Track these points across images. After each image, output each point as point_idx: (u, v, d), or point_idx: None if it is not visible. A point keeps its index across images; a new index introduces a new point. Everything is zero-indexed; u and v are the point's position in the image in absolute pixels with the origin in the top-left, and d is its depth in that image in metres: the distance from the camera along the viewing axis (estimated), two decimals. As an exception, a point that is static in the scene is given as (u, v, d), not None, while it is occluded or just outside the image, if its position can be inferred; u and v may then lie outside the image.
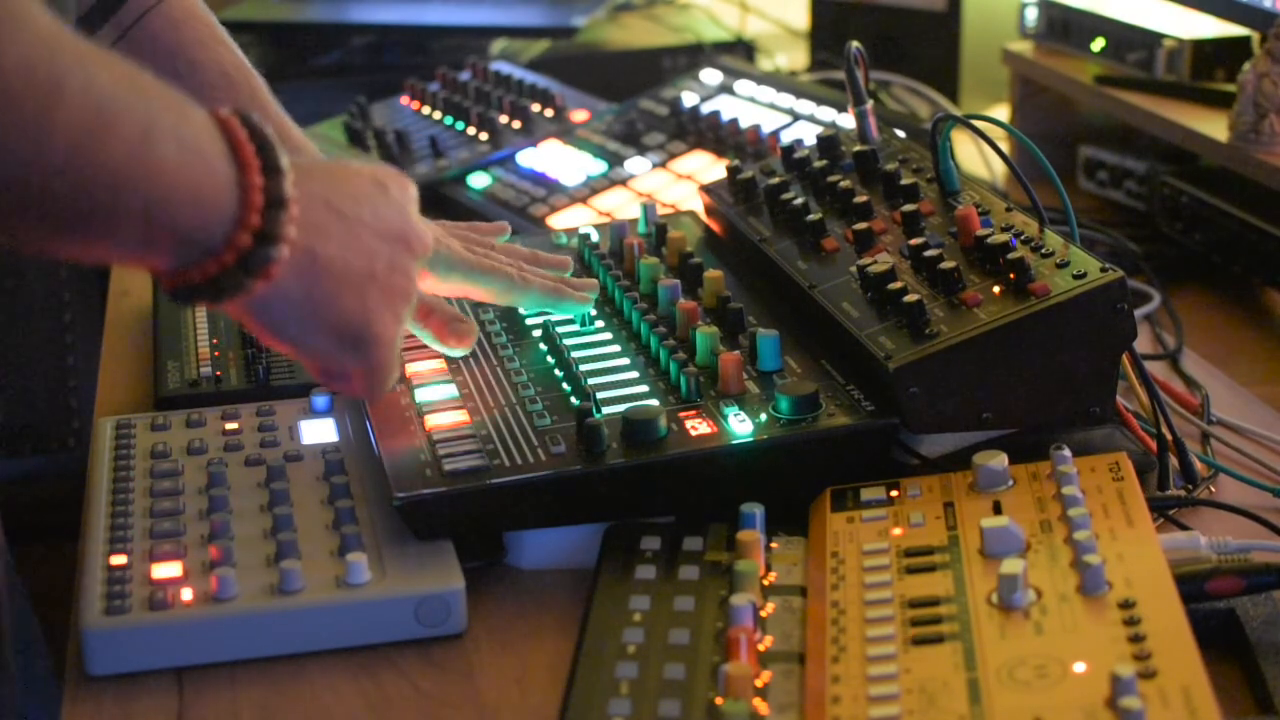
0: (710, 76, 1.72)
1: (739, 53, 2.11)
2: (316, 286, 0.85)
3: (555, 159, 1.63)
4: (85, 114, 0.75)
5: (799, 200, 1.19)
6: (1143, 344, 1.26)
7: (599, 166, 1.59)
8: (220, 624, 0.89)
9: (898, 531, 0.91)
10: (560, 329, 1.13)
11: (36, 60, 0.73)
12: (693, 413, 1.00)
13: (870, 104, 1.25)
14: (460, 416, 1.02)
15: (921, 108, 1.84)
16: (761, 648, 0.84)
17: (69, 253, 0.81)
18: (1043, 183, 1.10)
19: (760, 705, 0.79)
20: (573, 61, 2.07)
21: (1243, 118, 1.37)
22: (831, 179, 1.21)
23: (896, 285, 1.03)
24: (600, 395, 1.03)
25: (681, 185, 1.52)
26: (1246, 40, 1.54)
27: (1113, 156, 1.62)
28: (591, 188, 1.55)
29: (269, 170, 0.82)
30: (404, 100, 1.86)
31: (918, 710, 0.76)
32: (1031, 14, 1.76)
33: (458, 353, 1.07)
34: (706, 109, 1.63)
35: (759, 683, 0.81)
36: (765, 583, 0.90)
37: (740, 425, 0.99)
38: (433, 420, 1.02)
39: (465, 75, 1.86)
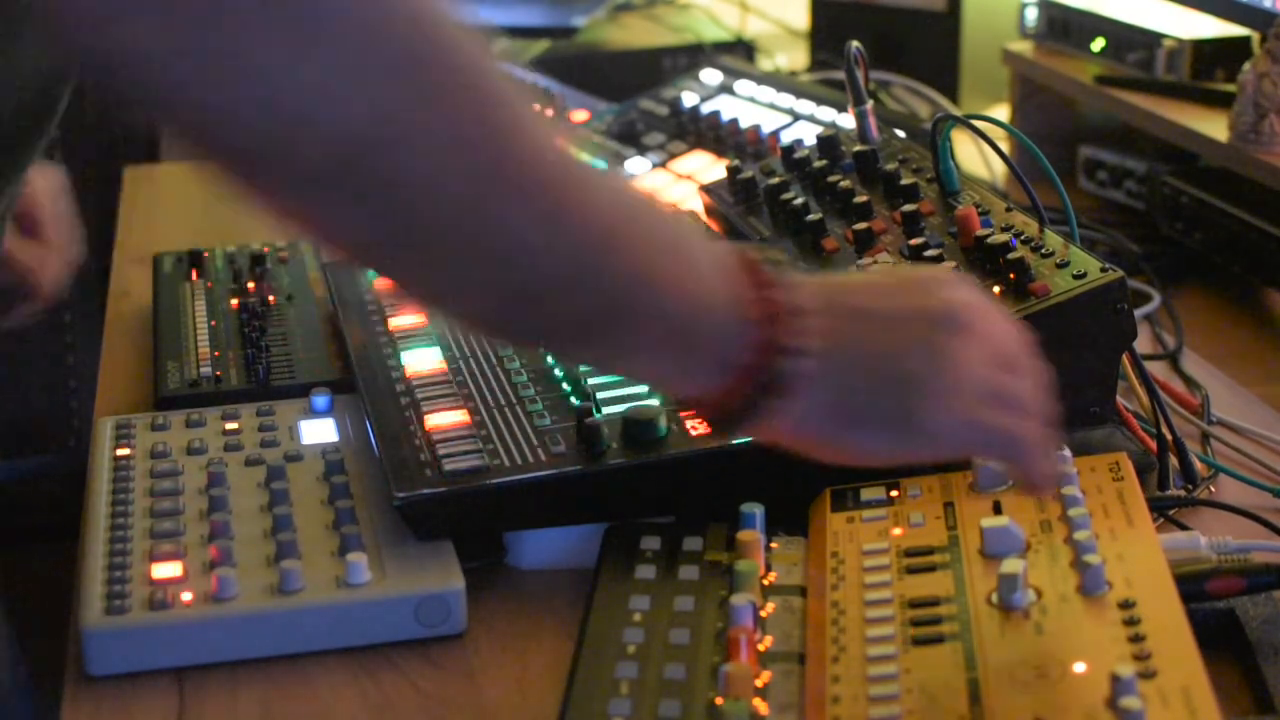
0: (710, 76, 1.72)
1: (739, 53, 2.11)
2: (841, 390, 0.80)
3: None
4: (605, 215, 0.76)
5: (799, 200, 1.19)
6: (1143, 344, 1.26)
7: (599, 166, 1.59)
8: (220, 624, 0.89)
9: (898, 531, 0.91)
10: (560, 329, 1.13)
11: (555, 165, 0.76)
12: (693, 413, 1.00)
13: (870, 104, 1.25)
14: (460, 416, 1.02)
15: (921, 108, 1.84)
16: (761, 648, 0.84)
17: (598, 361, 0.83)
18: (1043, 183, 1.10)
19: (760, 705, 0.79)
20: (573, 61, 2.07)
21: (1243, 118, 1.37)
22: (831, 179, 1.21)
23: (896, 285, 1.03)
24: (600, 395, 1.03)
25: (681, 185, 1.52)
26: (1246, 40, 1.54)
27: (1113, 156, 1.62)
28: (591, 188, 1.55)
29: (771, 284, 0.79)
30: (404, 100, 1.85)
31: (918, 710, 0.76)
32: (1031, 14, 1.76)
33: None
34: (706, 109, 1.63)
35: (759, 683, 0.81)
36: (765, 583, 0.90)
37: (740, 425, 0.99)
38: (433, 420, 1.02)
39: (465, 75, 1.85)
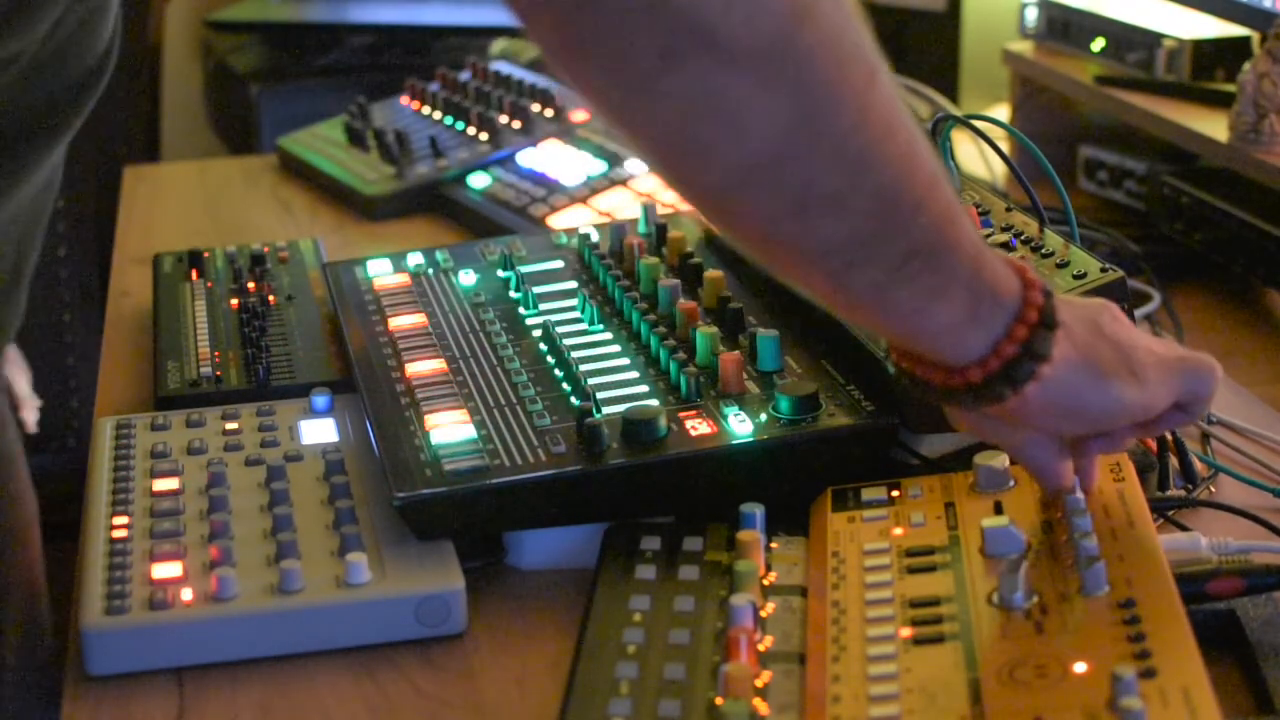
0: (710, 76, 1.72)
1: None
2: (1084, 348, 0.86)
3: (555, 159, 1.63)
4: (930, 166, 0.81)
5: (799, 200, 1.19)
6: (1143, 344, 1.26)
7: (599, 166, 1.59)
8: (220, 624, 0.89)
9: (898, 531, 0.91)
10: (560, 329, 1.13)
11: (900, 115, 0.79)
12: (693, 413, 1.00)
13: (870, 104, 1.25)
14: (460, 416, 1.02)
15: (921, 108, 1.84)
16: (761, 648, 0.84)
17: (909, 302, 0.84)
18: (1043, 183, 1.10)
19: (760, 705, 0.79)
20: (573, 61, 2.06)
21: (1243, 118, 1.37)
22: (831, 179, 1.21)
23: (896, 285, 1.03)
24: (600, 395, 1.03)
25: (681, 185, 1.52)
26: (1246, 40, 1.54)
27: (1113, 156, 1.62)
28: (591, 188, 1.55)
29: (1041, 289, 0.85)
30: (404, 100, 1.86)
31: (918, 710, 0.76)
32: (1031, 14, 1.76)
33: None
34: (706, 109, 1.63)
35: (759, 683, 0.81)
36: (765, 583, 0.90)
37: (740, 425, 0.99)
38: (433, 420, 1.02)
39: (465, 75, 1.86)
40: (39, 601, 1.12)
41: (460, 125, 1.75)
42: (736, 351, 1.05)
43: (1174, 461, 1.05)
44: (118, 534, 0.96)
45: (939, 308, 0.83)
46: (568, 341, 1.11)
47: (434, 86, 1.85)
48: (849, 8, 0.76)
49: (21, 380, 1.22)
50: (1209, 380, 0.91)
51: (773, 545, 0.94)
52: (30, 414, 1.22)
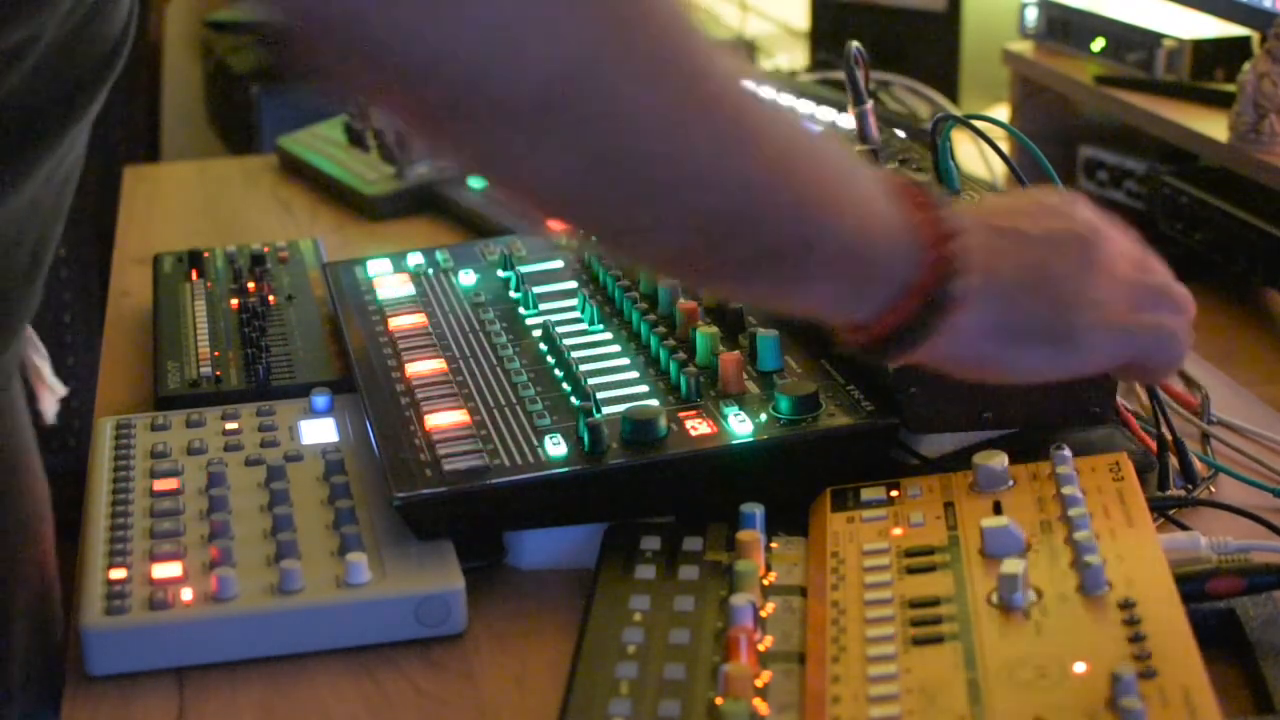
0: (710, 76, 1.72)
1: (739, 53, 2.11)
2: (1003, 307, 0.83)
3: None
4: (783, 145, 0.79)
5: (799, 200, 1.19)
6: (1143, 344, 1.26)
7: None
8: (220, 624, 0.89)
9: (898, 531, 0.91)
10: (560, 329, 1.13)
11: (737, 97, 0.78)
12: (693, 413, 1.00)
13: (870, 104, 1.25)
14: (460, 416, 1.02)
15: (921, 108, 1.84)
16: (761, 648, 0.84)
17: (773, 293, 0.83)
18: (1043, 183, 1.10)
19: (760, 705, 0.79)
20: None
21: (1243, 118, 1.37)
22: (831, 179, 1.21)
23: (896, 285, 1.03)
24: (600, 395, 1.03)
25: (681, 185, 1.52)
26: (1246, 40, 1.54)
27: (1113, 156, 1.62)
28: (591, 188, 1.55)
29: (932, 206, 0.81)
30: (404, 100, 1.85)
31: (918, 710, 0.76)
32: (1031, 14, 1.76)
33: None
34: (706, 109, 1.63)
35: (759, 683, 0.81)
36: (765, 583, 0.90)
37: (740, 425, 0.99)
38: (433, 420, 1.02)
39: (465, 75, 1.86)
40: (51, 592, 1.12)
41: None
42: (736, 351, 1.05)
43: (1174, 461, 1.05)
44: (118, 534, 0.96)
45: (809, 291, 0.81)
46: (568, 341, 1.11)
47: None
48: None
49: (45, 367, 1.22)
50: (1167, 352, 0.87)
51: (773, 545, 0.94)
52: (50, 405, 1.21)
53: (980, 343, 0.82)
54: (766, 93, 0.79)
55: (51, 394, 1.22)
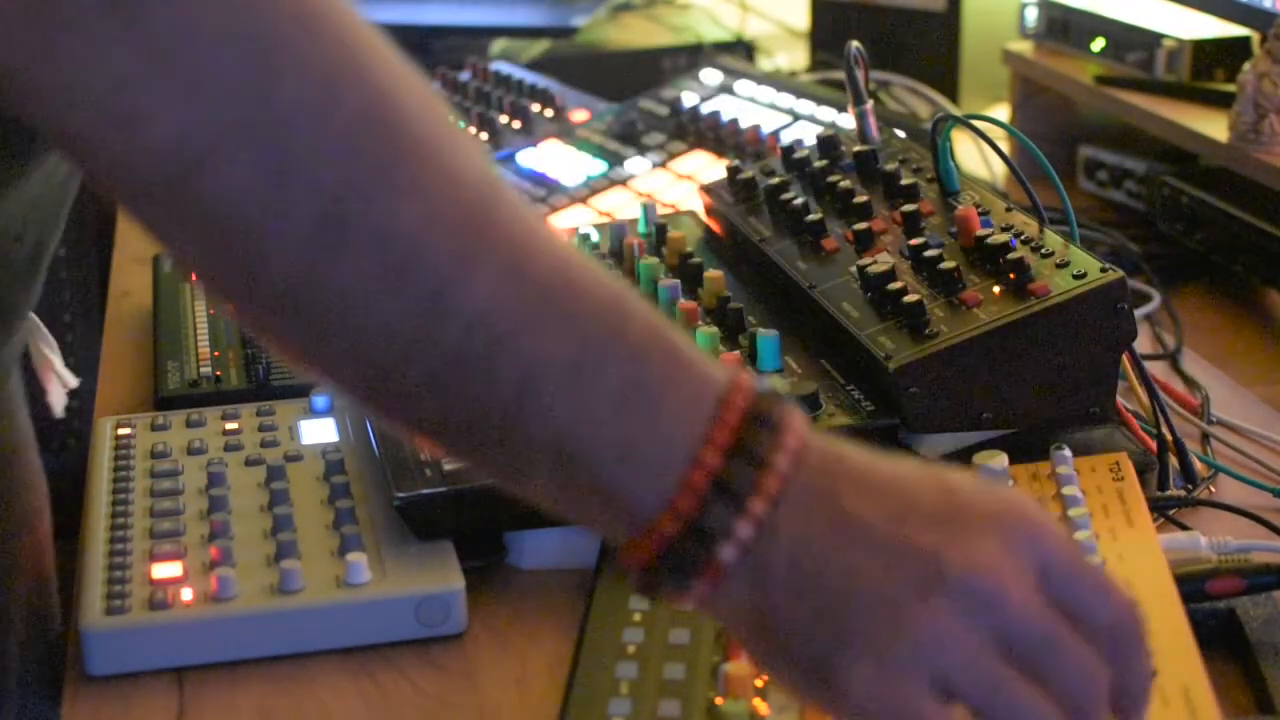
0: (710, 76, 1.72)
1: (739, 53, 2.11)
2: (761, 602, 0.63)
3: (555, 159, 1.63)
4: (506, 289, 0.61)
5: (799, 200, 1.19)
6: (1143, 344, 1.26)
7: (599, 166, 1.59)
8: (220, 624, 0.89)
9: (898, 531, 0.91)
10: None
11: (447, 215, 0.61)
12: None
13: (870, 104, 1.25)
14: (460, 416, 1.02)
15: (921, 108, 1.84)
16: (761, 648, 0.84)
17: (486, 469, 0.67)
18: (1043, 183, 1.10)
19: (760, 705, 0.79)
20: (573, 61, 2.06)
21: (1243, 118, 1.37)
22: (831, 179, 1.21)
23: (896, 285, 1.03)
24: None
25: (681, 185, 1.52)
26: (1246, 40, 1.54)
27: (1113, 156, 1.62)
28: (591, 188, 1.55)
29: (744, 442, 0.62)
30: (404, 100, 1.85)
31: (918, 710, 0.76)
32: (1031, 14, 1.76)
33: None
34: (706, 109, 1.63)
35: (759, 683, 0.81)
36: (765, 583, 0.90)
37: (740, 425, 0.98)
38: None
39: (465, 75, 1.86)
40: (48, 585, 1.12)
41: (460, 125, 1.74)
42: (736, 352, 1.05)
43: (1174, 461, 1.05)
44: (118, 534, 0.96)
45: (531, 482, 0.65)
46: (568, 341, 1.11)
47: (434, 86, 1.84)
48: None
49: (55, 358, 1.21)
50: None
51: (773, 545, 0.94)
52: (59, 396, 1.21)
53: (741, 624, 0.64)
54: (514, 193, 0.63)
55: (61, 385, 1.22)
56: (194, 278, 1.29)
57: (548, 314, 0.62)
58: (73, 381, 1.20)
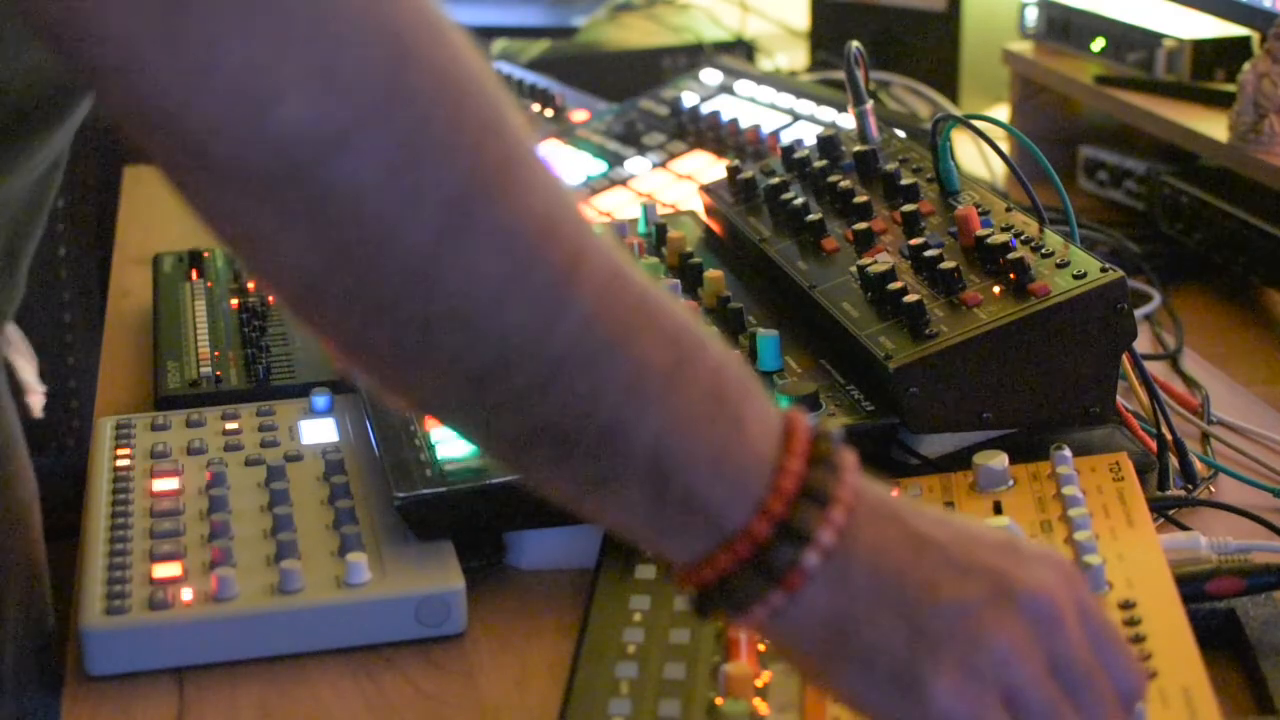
0: (710, 76, 1.72)
1: (739, 53, 2.11)
2: (842, 608, 0.64)
3: (555, 159, 1.63)
4: (614, 304, 0.61)
5: (799, 200, 1.19)
6: (1143, 344, 1.26)
7: (599, 166, 1.59)
8: (220, 624, 0.89)
9: (898, 531, 0.91)
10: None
11: (559, 217, 0.61)
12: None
13: (870, 104, 1.25)
14: (460, 416, 1.02)
15: (921, 108, 1.84)
16: (761, 648, 0.84)
17: (551, 488, 0.66)
18: (1043, 183, 1.10)
19: (760, 705, 0.79)
20: (573, 61, 2.07)
21: (1243, 118, 1.37)
22: (831, 179, 1.21)
23: (896, 285, 1.03)
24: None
25: (681, 185, 1.52)
26: (1246, 40, 1.54)
27: (1113, 156, 1.62)
28: (591, 188, 1.55)
29: (816, 461, 0.64)
30: (404, 100, 1.86)
31: (918, 710, 0.76)
32: (1031, 14, 1.76)
33: None
34: (706, 109, 1.63)
35: (759, 683, 0.81)
36: (765, 583, 0.90)
37: (740, 425, 0.98)
38: (433, 420, 1.02)
39: (465, 75, 1.86)
40: (40, 580, 1.12)
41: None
42: (736, 352, 1.05)
43: (1174, 461, 1.05)
44: (118, 534, 0.96)
45: (613, 502, 0.64)
46: (568, 341, 1.11)
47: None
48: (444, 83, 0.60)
49: (28, 367, 1.21)
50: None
51: (773, 545, 0.94)
52: (36, 398, 1.21)
53: (809, 642, 0.65)
54: (611, 244, 0.63)
55: (36, 392, 1.22)
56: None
57: (648, 319, 0.63)
58: (42, 388, 1.20)
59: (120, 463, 1.05)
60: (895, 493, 0.67)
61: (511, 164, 0.61)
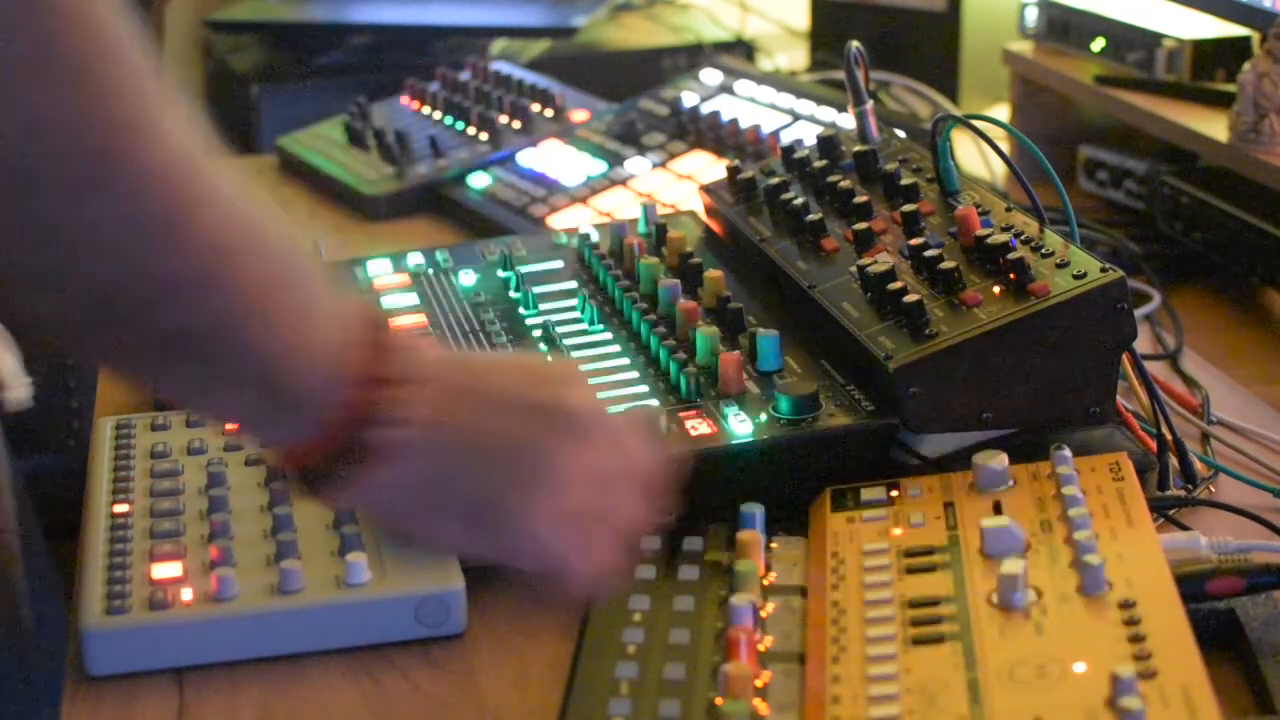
0: (710, 76, 1.72)
1: (739, 53, 2.11)
2: (436, 469, 0.76)
3: (555, 159, 1.63)
4: (221, 235, 0.70)
5: (799, 200, 1.19)
6: (1143, 344, 1.26)
7: (599, 166, 1.59)
8: (220, 624, 0.89)
9: (898, 531, 0.91)
10: (560, 329, 1.13)
11: (175, 171, 0.69)
12: (693, 413, 1.00)
13: (870, 104, 1.25)
14: (460, 416, 1.02)
15: (921, 108, 1.84)
16: (761, 648, 0.84)
17: (174, 388, 0.76)
18: (1043, 183, 1.10)
19: (760, 705, 0.79)
20: (573, 61, 2.07)
21: (1243, 118, 1.37)
22: (831, 179, 1.21)
23: (896, 285, 1.04)
24: (600, 395, 1.03)
25: (681, 185, 1.52)
26: (1246, 40, 1.54)
27: (1113, 156, 1.62)
28: (591, 188, 1.55)
29: (383, 347, 0.75)
30: (404, 100, 1.86)
31: (918, 710, 0.76)
32: (1031, 14, 1.76)
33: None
34: (706, 109, 1.63)
35: (759, 683, 0.81)
36: (765, 583, 0.90)
37: (740, 425, 0.99)
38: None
39: (465, 75, 1.86)
40: (10, 566, 1.12)
41: (460, 125, 1.75)
42: (736, 351, 1.05)
43: (1174, 461, 1.05)
44: (118, 534, 0.96)
45: (217, 397, 0.75)
46: (568, 341, 1.11)
47: (434, 86, 1.85)
48: None
49: (8, 358, 1.21)
50: (583, 581, 0.80)
51: (773, 545, 0.94)
52: (19, 391, 1.21)
53: (402, 503, 0.76)
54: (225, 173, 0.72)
55: (18, 384, 1.22)
56: None
57: (255, 245, 0.72)
58: (26, 379, 1.20)
59: (120, 463, 1.05)
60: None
61: (145, 122, 0.67)
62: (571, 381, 0.81)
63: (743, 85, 1.68)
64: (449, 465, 0.75)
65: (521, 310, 1.18)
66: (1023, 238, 1.06)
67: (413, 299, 1.22)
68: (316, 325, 0.74)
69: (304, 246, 0.76)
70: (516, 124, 1.71)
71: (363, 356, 0.74)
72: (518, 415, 0.77)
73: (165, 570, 0.92)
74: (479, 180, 1.63)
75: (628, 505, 0.80)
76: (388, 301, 1.22)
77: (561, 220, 1.50)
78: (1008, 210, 1.11)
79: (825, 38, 2.07)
